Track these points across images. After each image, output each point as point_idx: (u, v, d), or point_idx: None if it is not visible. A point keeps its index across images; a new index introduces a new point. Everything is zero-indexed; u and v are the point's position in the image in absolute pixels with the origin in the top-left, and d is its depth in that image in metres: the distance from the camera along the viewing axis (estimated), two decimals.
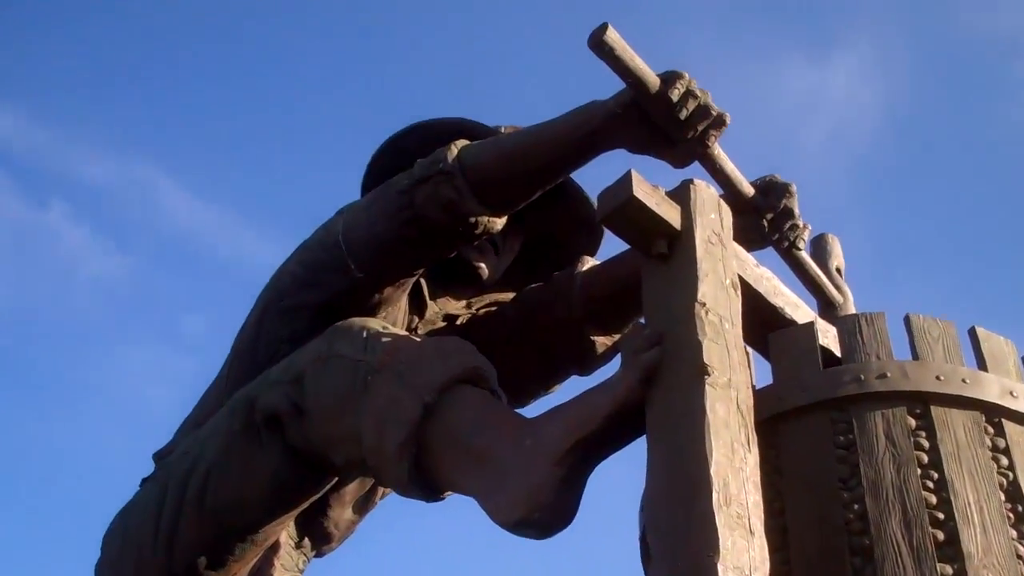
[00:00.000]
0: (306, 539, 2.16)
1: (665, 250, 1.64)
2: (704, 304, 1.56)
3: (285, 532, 2.10)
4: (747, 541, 1.36)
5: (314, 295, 2.00)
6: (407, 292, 2.07)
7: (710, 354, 1.50)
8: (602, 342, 2.10)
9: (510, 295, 2.31)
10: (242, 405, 1.89)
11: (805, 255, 1.93)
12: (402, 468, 1.65)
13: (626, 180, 1.62)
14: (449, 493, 1.73)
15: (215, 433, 1.93)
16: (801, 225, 1.90)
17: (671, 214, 1.66)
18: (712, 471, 1.38)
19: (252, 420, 1.85)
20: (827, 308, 1.94)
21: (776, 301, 1.75)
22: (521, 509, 1.52)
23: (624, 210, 1.62)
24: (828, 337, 1.72)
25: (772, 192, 1.88)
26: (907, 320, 1.60)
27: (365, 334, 1.79)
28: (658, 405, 1.50)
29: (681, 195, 1.70)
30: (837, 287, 1.97)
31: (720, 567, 1.29)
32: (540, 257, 2.31)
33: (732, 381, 1.51)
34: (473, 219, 1.89)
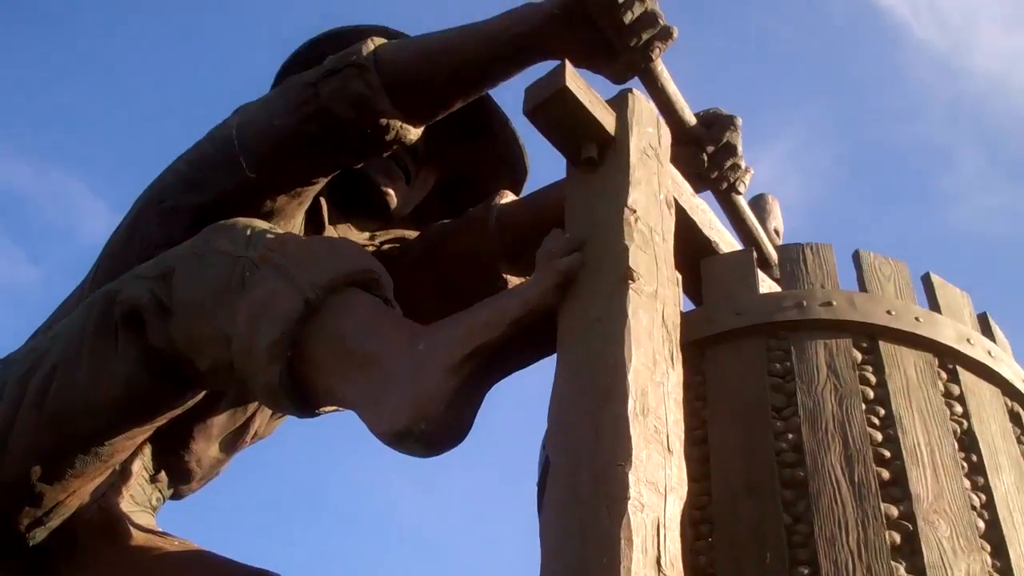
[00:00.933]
0: (163, 473, 1.91)
1: (595, 155, 1.50)
2: (635, 211, 1.41)
3: (139, 461, 1.87)
4: (664, 458, 1.19)
5: (197, 196, 1.83)
6: (304, 208, 1.87)
7: (636, 260, 1.35)
8: (515, 282, 1.92)
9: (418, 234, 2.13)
10: (100, 300, 1.69)
11: (744, 202, 1.77)
12: (273, 371, 1.46)
13: (559, 71, 1.48)
14: (326, 409, 1.53)
15: (67, 330, 1.71)
16: (743, 167, 1.76)
17: (605, 118, 1.51)
18: (630, 377, 1.21)
19: (110, 317, 1.65)
20: (762, 266, 1.78)
21: (711, 234, 1.60)
22: (404, 418, 1.33)
23: (554, 103, 1.47)
24: (764, 284, 1.56)
25: (716, 124, 1.74)
26: (856, 256, 1.45)
27: (249, 232, 1.61)
28: (573, 313, 1.35)
29: (618, 104, 1.55)
30: (775, 247, 1.81)
31: (632, 478, 1.11)
32: (456, 199, 2.14)
33: (659, 294, 1.35)
34: (384, 121, 1.73)
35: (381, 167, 2.03)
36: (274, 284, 1.50)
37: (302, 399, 1.49)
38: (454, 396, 1.33)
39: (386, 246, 2.12)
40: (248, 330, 1.48)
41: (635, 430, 1.17)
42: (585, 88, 1.47)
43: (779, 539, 1.19)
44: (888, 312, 1.36)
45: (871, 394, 1.30)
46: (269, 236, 1.59)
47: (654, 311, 1.32)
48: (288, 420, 2.08)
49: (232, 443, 1.99)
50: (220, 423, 1.94)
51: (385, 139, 1.75)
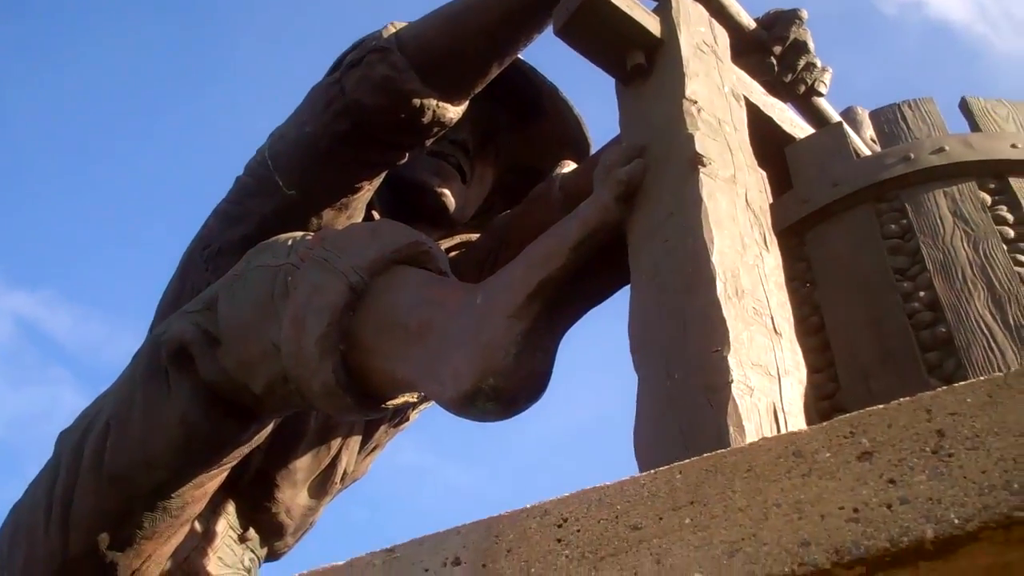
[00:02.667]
0: (252, 531, 1.78)
1: (642, 60, 1.37)
2: (695, 102, 1.27)
3: (224, 520, 1.76)
4: (770, 340, 1.01)
5: (239, 229, 1.78)
6: (352, 218, 1.77)
7: (705, 147, 1.21)
8: None
9: None
10: (147, 346, 1.64)
11: (828, 105, 1.58)
12: (325, 368, 1.36)
13: None
14: (394, 401, 1.43)
15: (117, 385, 1.66)
16: (819, 65, 1.58)
17: (648, 21, 1.40)
18: (714, 259, 1.06)
19: (158, 360, 1.59)
20: None
21: (792, 130, 1.43)
22: (469, 377, 1.21)
23: (587, 12, 1.36)
24: None
25: (778, 22, 1.58)
26: (964, 103, 1.26)
27: (291, 241, 1.55)
28: (642, 221, 1.23)
29: (661, 8, 1.44)
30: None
31: (732, 360, 0.94)
32: (521, 193, 2.01)
33: (738, 179, 1.20)
34: (417, 102, 1.65)
35: (432, 168, 1.95)
36: (315, 278, 1.42)
37: (363, 395, 1.39)
38: (523, 342, 1.21)
39: (451, 254, 2.03)
40: (294, 331, 1.40)
41: (729, 312, 1.01)
42: None
43: None
44: (1013, 146, 1.15)
45: (1011, 233, 1.10)
46: (309, 238, 1.52)
47: (734, 195, 1.18)
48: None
49: (321, 487, 1.87)
50: (304, 466, 1.82)
51: (422, 122, 1.67)
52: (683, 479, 0.71)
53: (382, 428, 1.98)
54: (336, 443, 1.87)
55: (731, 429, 0.91)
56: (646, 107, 1.33)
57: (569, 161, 1.92)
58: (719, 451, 0.72)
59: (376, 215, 1.92)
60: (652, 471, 0.71)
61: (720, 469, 0.71)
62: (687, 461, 0.71)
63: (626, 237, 1.22)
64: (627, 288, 1.23)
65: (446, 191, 1.94)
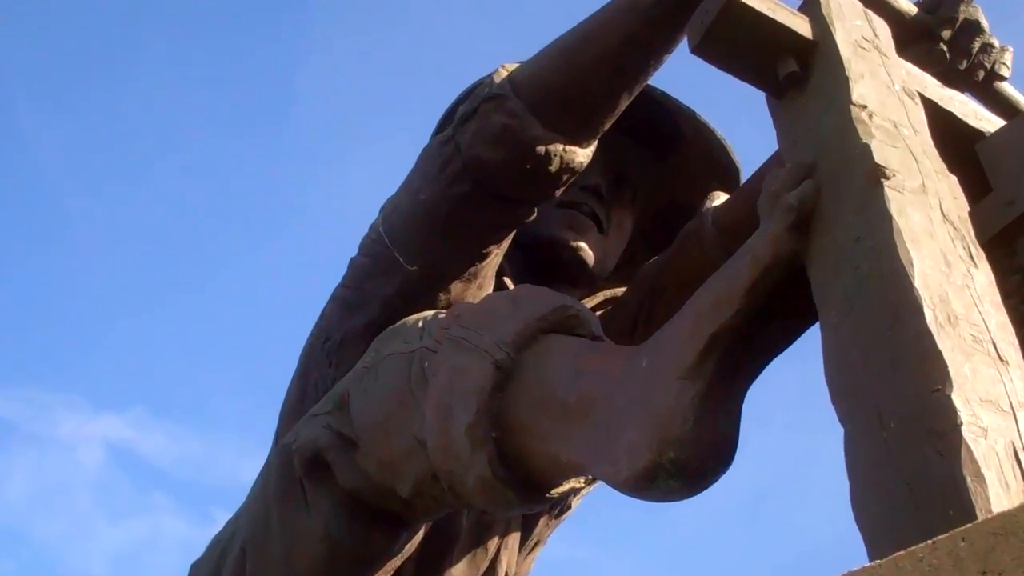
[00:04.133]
0: None
1: (795, 68, 1.36)
2: (865, 107, 1.26)
3: None
4: (996, 369, 0.98)
5: (361, 317, 1.83)
6: (487, 292, 1.81)
7: (885, 156, 1.21)
8: None
9: None
10: (277, 458, 1.70)
11: (1014, 91, 1.55)
12: (479, 460, 1.39)
13: None
14: (559, 489, 1.45)
15: (248, 505, 1.72)
16: (997, 45, 1.55)
17: (796, 23, 1.39)
18: (918, 284, 1.03)
19: (290, 472, 1.65)
20: None
21: (978, 124, 1.40)
22: (645, 452, 1.21)
23: (725, 24, 1.37)
24: None
25: (942, 3, 1.55)
26: None
27: (421, 323, 1.60)
28: (824, 249, 1.20)
29: (808, 7, 1.42)
30: None
31: (957, 399, 0.92)
32: (666, 236, 2.05)
33: (928, 187, 1.18)
34: (542, 149, 1.68)
35: (564, 220, 1.99)
36: (456, 360, 1.45)
37: (525, 486, 1.41)
38: (701, 406, 1.21)
39: (597, 312, 2.05)
40: (439, 421, 1.43)
41: (944, 343, 0.99)
42: None
43: None
44: None
45: None
46: (441, 316, 1.57)
47: (927, 207, 1.16)
48: None
49: None
50: (460, 573, 1.83)
51: (549, 170, 1.70)
52: (968, 547, 0.69)
53: (542, 520, 1.98)
54: (493, 543, 1.88)
55: (968, 479, 0.88)
56: (808, 119, 1.31)
57: (719, 192, 1.93)
58: (1006, 511, 0.70)
59: (508, 281, 1.95)
60: (929, 542, 0.70)
61: (1013, 531, 0.69)
62: (969, 526, 0.69)
63: (806, 270, 1.21)
64: (814, 329, 1.22)
65: (583, 244, 1.96)
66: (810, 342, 1.27)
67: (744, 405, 1.26)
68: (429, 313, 1.61)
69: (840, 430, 1.07)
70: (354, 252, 1.88)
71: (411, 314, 1.70)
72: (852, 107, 1.24)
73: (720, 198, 1.91)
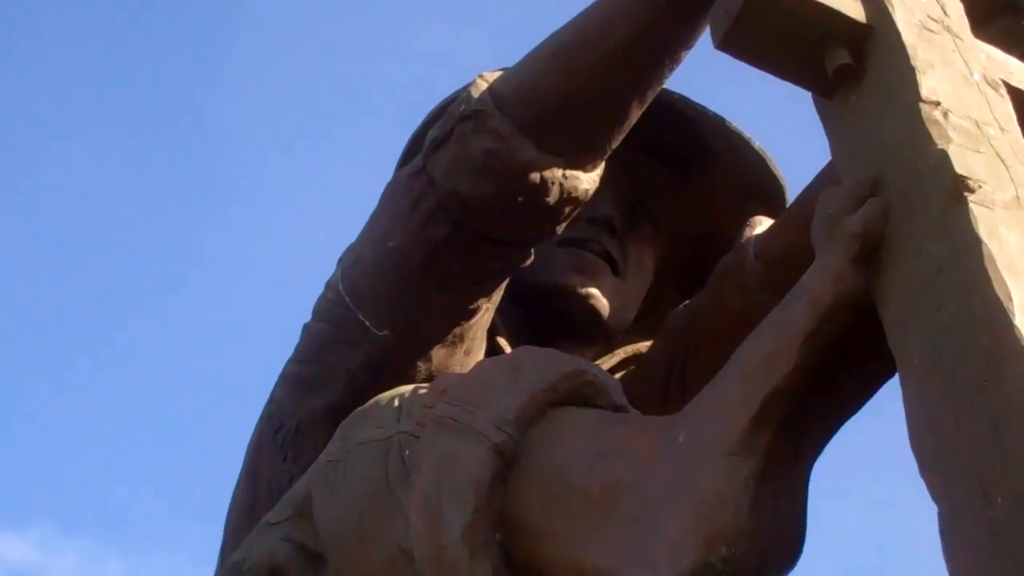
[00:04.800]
0: None
1: (848, 59, 1.39)
2: (938, 103, 1.27)
3: None
4: None
5: (321, 397, 1.84)
6: (477, 358, 1.87)
7: (967, 164, 1.22)
8: None
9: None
10: None
11: None
12: (482, 571, 1.40)
13: None
14: None
15: None
16: None
17: (846, 3, 1.41)
18: (1019, 323, 1.06)
19: None
20: None
21: None
22: (691, 551, 1.23)
23: (756, 8, 1.38)
24: None
25: None
26: None
27: (398, 402, 1.61)
28: (897, 285, 1.21)
29: None
30: None
31: None
32: (698, 274, 2.10)
33: (1023, 199, 1.17)
34: (536, 176, 1.69)
35: (570, 262, 2.00)
36: (445, 446, 1.47)
37: None
38: (756, 488, 1.23)
39: (617, 375, 2.07)
40: (427, 525, 1.44)
41: None
42: None
43: None
44: None
45: None
46: (423, 391, 1.58)
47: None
48: None
49: None
50: None
51: (547, 203, 1.71)
52: None
53: None
54: None
55: None
56: (867, 123, 1.33)
57: (760, 217, 1.95)
58: None
59: (504, 343, 1.97)
60: None
61: None
62: None
63: (878, 311, 1.22)
64: (893, 382, 1.23)
65: (594, 291, 1.98)
66: (891, 393, 1.28)
67: (811, 481, 1.28)
68: (407, 389, 1.62)
69: (933, 508, 1.08)
70: (308, 304, 1.90)
71: (384, 391, 1.70)
72: (922, 105, 1.25)
73: (762, 224, 1.93)
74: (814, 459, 1.29)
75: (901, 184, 1.24)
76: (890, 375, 1.27)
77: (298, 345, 1.91)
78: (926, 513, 1.10)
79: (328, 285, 1.88)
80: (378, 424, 1.58)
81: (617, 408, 1.48)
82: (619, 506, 1.31)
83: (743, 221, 2.00)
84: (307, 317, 1.93)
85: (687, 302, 2.08)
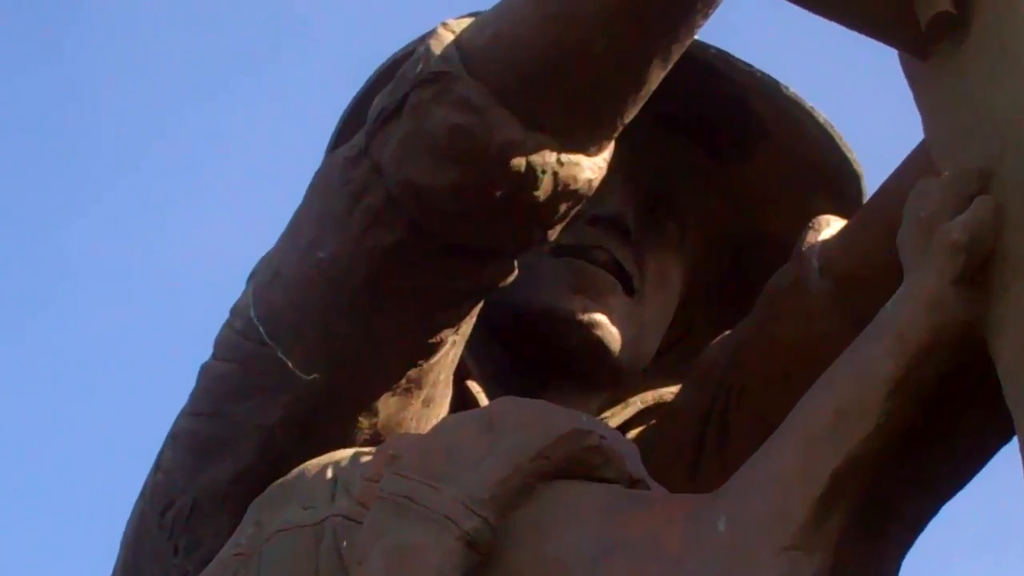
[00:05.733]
0: None
1: (949, 7, 1.40)
2: None
3: None
4: None
5: (228, 462, 1.85)
6: (440, 411, 1.90)
7: None
8: None
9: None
10: None
11: None
12: None
13: None
14: None
15: None
16: None
17: None
18: None
19: None
20: None
21: None
22: None
23: None
24: None
25: None
26: None
27: (330, 471, 1.65)
28: (1017, 320, 1.22)
29: None
30: None
31: None
32: (740, 296, 2.14)
33: None
34: (520, 161, 1.70)
35: (565, 279, 2.02)
36: (397, 534, 1.49)
37: None
38: None
39: (631, 434, 2.10)
40: None
41: None
42: None
43: None
44: None
45: None
46: (366, 459, 1.60)
47: None
48: None
49: None
50: None
51: (535, 197, 1.72)
52: None
53: None
54: None
55: None
56: (974, 92, 1.34)
57: (827, 217, 1.97)
58: None
59: (477, 390, 1.99)
60: None
61: None
62: None
63: (989, 351, 1.23)
64: (1010, 447, 1.25)
65: (599, 317, 2.00)
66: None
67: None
68: (344, 455, 1.65)
69: None
70: (209, 334, 1.91)
71: (312, 457, 1.72)
72: None
73: (830, 227, 1.95)
74: (905, 552, 1.31)
75: (1020, 177, 1.25)
76: (1008, 438, 1.29)
77: (193, 393, 1.92)
78: None
79: (235, 311, 1.89)
80: (305, 504, 1.60)
81: (633, 482, 1.49)
82: None
83: (804, 222, 2.01)
84: (206, 354, 1.95)
85: (727, 332, 2.10)
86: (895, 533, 1.31)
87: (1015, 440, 1.21)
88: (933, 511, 1.34)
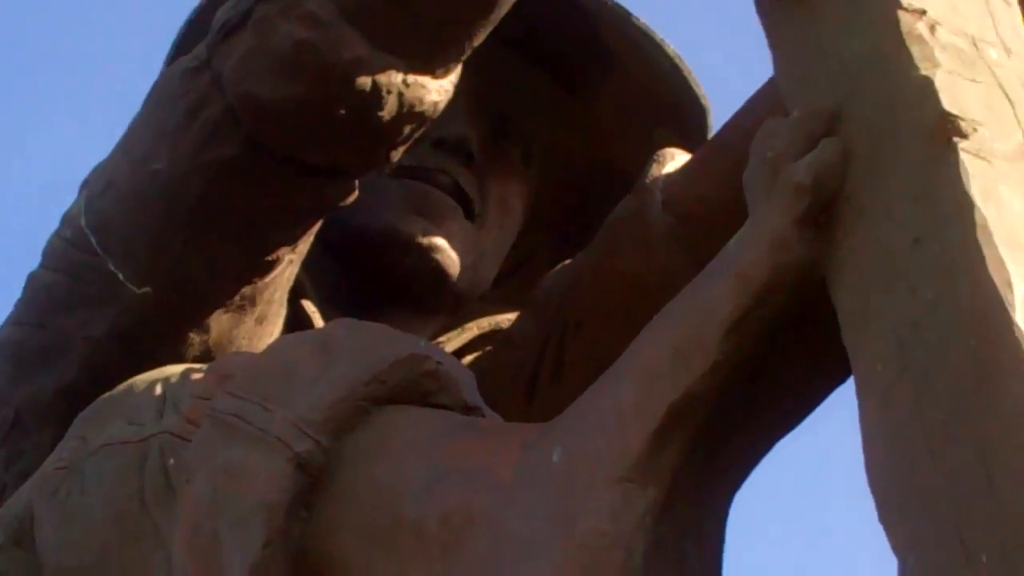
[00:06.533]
0: None
1: None
2: (923, 13, 1.30)
3: None
4: None
5: (53, 374, 1.85)
6: (274, 329, 1.91)
7: (957, 98, 1.24)
8: None
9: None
10: None
11: None
12: None
13: None
14: None
15: None
16: None
17: None
18: (1019, 318, 1.07)
19: None
20: None
21: None
22: None
23: None
24: None
25: None
26: None
27: (159, 387, 1.62)
28: (856, 257, 1.24)
29: None
30: None
31: None
32: (581, 225, 2.13)
33: None
34: (366, 80, 1.70)
35: (406, 201, 2.04)
36: (226, 454, 1.48)
37: None
38: (656, 528, 1.24)
39: (467, 359, 2.09)
40: (198, 564, 1.46)
41: None
42: None
43: None
44: None
45: None
46: (197, 376, 1.59)
47: None
48: None
49: None
50: None
51: (380, 117, 1.73)
52: None
53: None
54: None
55: None
56: (825, 34, 1.35)
57: (672, 150, 1.99)
58: None
59: (312, 310, 1.99)
60: None
61: None
62: None
63: (829, 294, 1.24)
64: (843, 390, 1.27)
65: (439, 240, 2.01)
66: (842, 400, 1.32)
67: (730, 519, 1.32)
68: (174, 371, 1.63)
69: (893, 562, 1.10)
70: (38, 243, 1.89)
71: (141, 371, 1.71)
72: (901, 13, 1.27)
73: (675, 160, 1.96)
74: (735, 490, 1.32)
75: (868, 120, 1.26)
76: (842, 379, 1.30)
77: (19, 301, 1.90)
78: (886, 569, 1.13)
79: (65, 219, 1.87)
80: (131, 419, 1.58)
81: (468, 409, 1.49)
82: (465, 545, 1.32)
83: (648, 153, 2.03)
84: (34, 263, 1.92)
85: (567, 261, 2.11)
86: (726, 471, 1.31)
87: (850, 382, 1.22)
88: (764, 451, 1.35)
